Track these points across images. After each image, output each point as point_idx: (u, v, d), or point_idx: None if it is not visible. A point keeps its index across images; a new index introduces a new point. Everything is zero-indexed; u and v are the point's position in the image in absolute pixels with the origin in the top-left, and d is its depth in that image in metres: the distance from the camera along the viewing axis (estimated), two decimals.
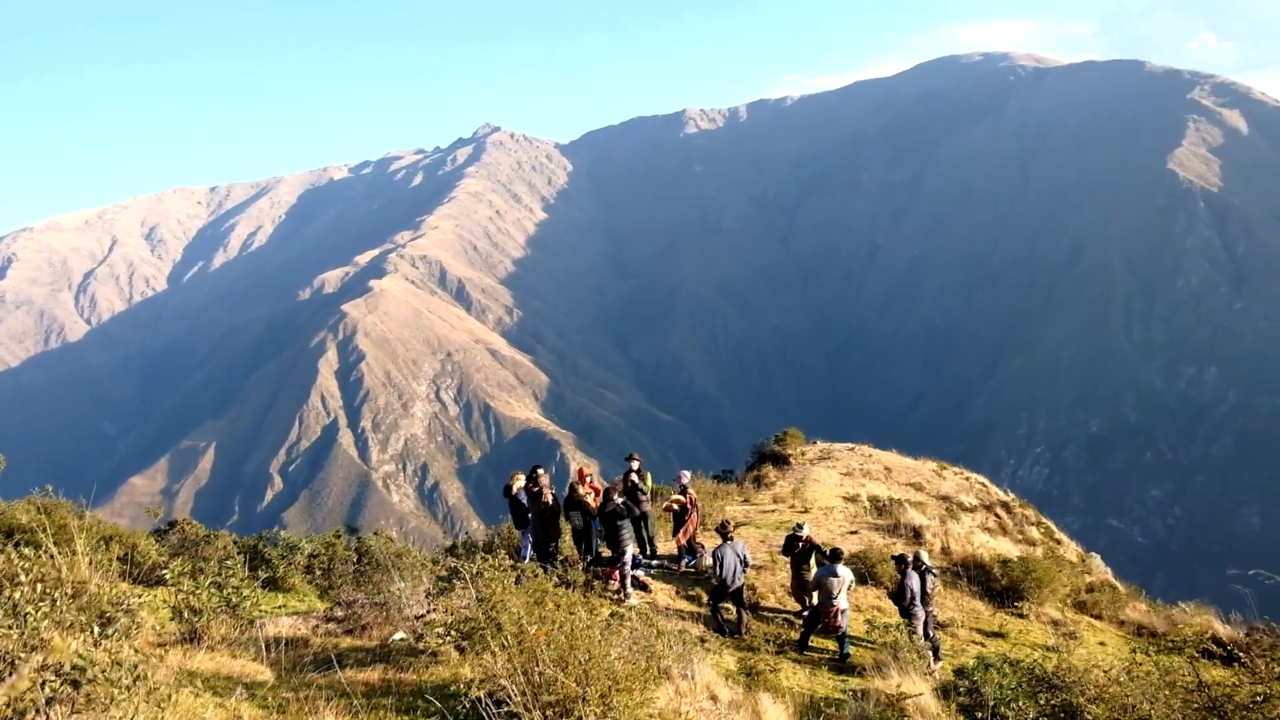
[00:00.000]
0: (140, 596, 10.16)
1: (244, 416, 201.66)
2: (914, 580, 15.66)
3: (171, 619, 11.00)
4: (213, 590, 10.94)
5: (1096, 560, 26.93)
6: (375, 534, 21.69)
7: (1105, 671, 10.67)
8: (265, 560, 17.42)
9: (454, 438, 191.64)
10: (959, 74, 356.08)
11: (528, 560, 16.56)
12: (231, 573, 11.65)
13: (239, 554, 16.80)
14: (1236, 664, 9.92)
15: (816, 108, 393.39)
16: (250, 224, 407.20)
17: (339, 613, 13.39)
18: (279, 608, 15.44)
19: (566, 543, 17.99)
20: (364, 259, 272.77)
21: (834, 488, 26.64)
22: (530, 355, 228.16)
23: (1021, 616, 18.89)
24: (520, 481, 17.41)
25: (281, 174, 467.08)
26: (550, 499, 16.86)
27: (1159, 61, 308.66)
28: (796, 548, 16.86)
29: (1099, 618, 20.33)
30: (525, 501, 17.19)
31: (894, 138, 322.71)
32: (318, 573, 17.96)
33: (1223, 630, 19.19)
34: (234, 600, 11.07)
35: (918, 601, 15.69)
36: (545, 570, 13.45)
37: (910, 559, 16.07)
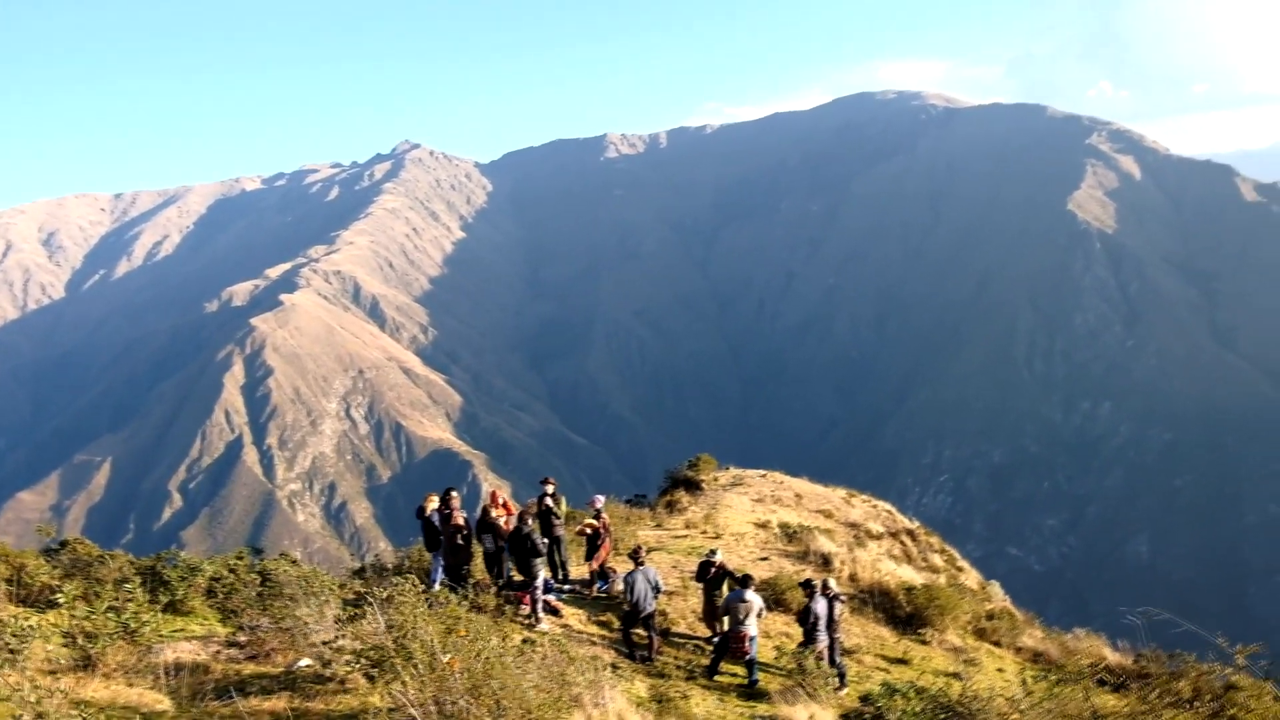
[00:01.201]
0: (30, 620, 9.72)
1: (143, 431, 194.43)
2: (819, 605, 15.67)
3: (64, 645, 10.49)
4: (110, 615, 10.50)
5: (996, 588, 27.39)
6: (281, 555, 21.08)
7: (1008, 700, 10.92)
8: (164, 582, 16.77)
9: (363, 456, 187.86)
10: (874, 110, 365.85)
11: (438, 584, 16.28)
12: (130, 596, 11.21)
13: (136, 575, 16.14)
14: (1126, 691, 10.31)
15: (736, 137, 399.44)
16: (157, 233, 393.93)
17: (242, 638, 12.90)
18: (176, 631, 14.87)
19: (478, 566, 17.75)
20: (275, 272, 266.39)
21: (746, 514, 26.69)
22: (444, 375, 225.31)
23: (925, 643, 19.09)
24: (434, 503, 17.13)
25: (191, 183, 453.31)
26: (461, 521, 16.63)
27: (1061, 107, 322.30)
28: (709, 573, 16.78)
29: (998, 644, 20.65)
30: (438, 523, 16.90)
31: (811, 169, 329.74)
32: (220, 596, 17.39)
33: (1112, 658, 19.90)
34: (132, 625, 10.64)
35: (821, 626, 15.73)
36: (455, 593, 13.34)
37: (819, 585, 16.13)
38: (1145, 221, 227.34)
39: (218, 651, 12.39)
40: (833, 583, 16.59)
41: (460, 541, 16.66)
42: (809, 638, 15.64)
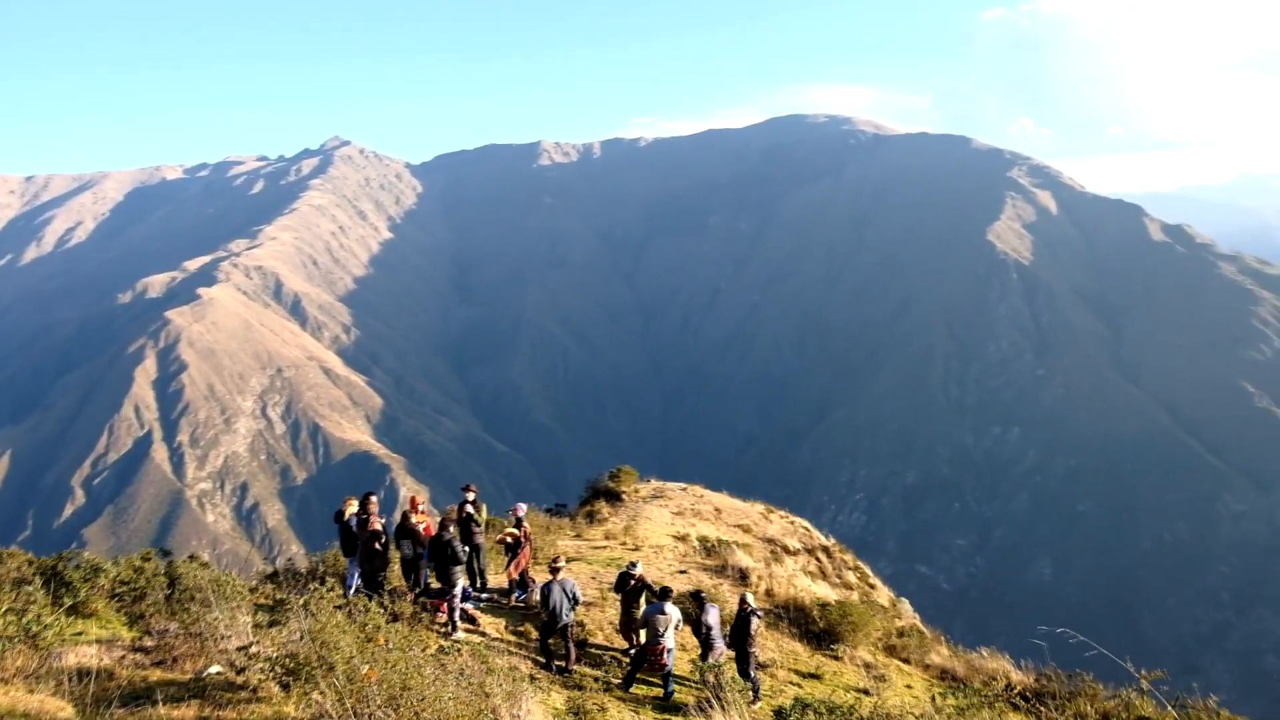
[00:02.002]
0: None
1: (46, 424, 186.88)
2: (711, 615, 15.95)
3: None
4: (11, 618, 10.12)
5: (906, 605, 28.09)
6: (191, 558, 20.52)
7: (918, 718, 11.21)
8: (67, 584, 16.18)
9: (278, 457, 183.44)
10: (805, 132, 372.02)
11: (353, 590, 16.16)
12: (32, 598, 10.82)
13: (36, 575, 15.56)
14: (1030, 711, 10.65)
15: (669, 151, 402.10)
16: (69, 219, 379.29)
17: (149, 642, 12.59)
18: (78, 635, 14.39)
19: (395, 572, 17.58)
20: (194, 265, 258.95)
21: (665, 526, 26.93)
22: (366, 376, 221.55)
23: (837, 658, 19.39)
24: (353, 507, 16.98)
25: (109, 169, 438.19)
26: (379, 527, 16.49)
27: (984, 140, 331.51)
28: (628, 585, 16.87)
29: (907, 661, 21.05)
30: (355, 528, 16.73)
31: (741, 187, 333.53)
32: (129, 599, 16.85)
33: (1015, 676, 20.53)
34: (34, 629, 10.28)
35: (715, 636, 16.00)
36: (371, 599, 13.19)
37: (705, 598, 16.45)
38: (1059, 255, 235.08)
39: (123, 657, 12.00)
40: (750, 597, 16.73)
41: (378, 547, 16.45)
42: (706, 647, 15.86)
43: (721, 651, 16.06)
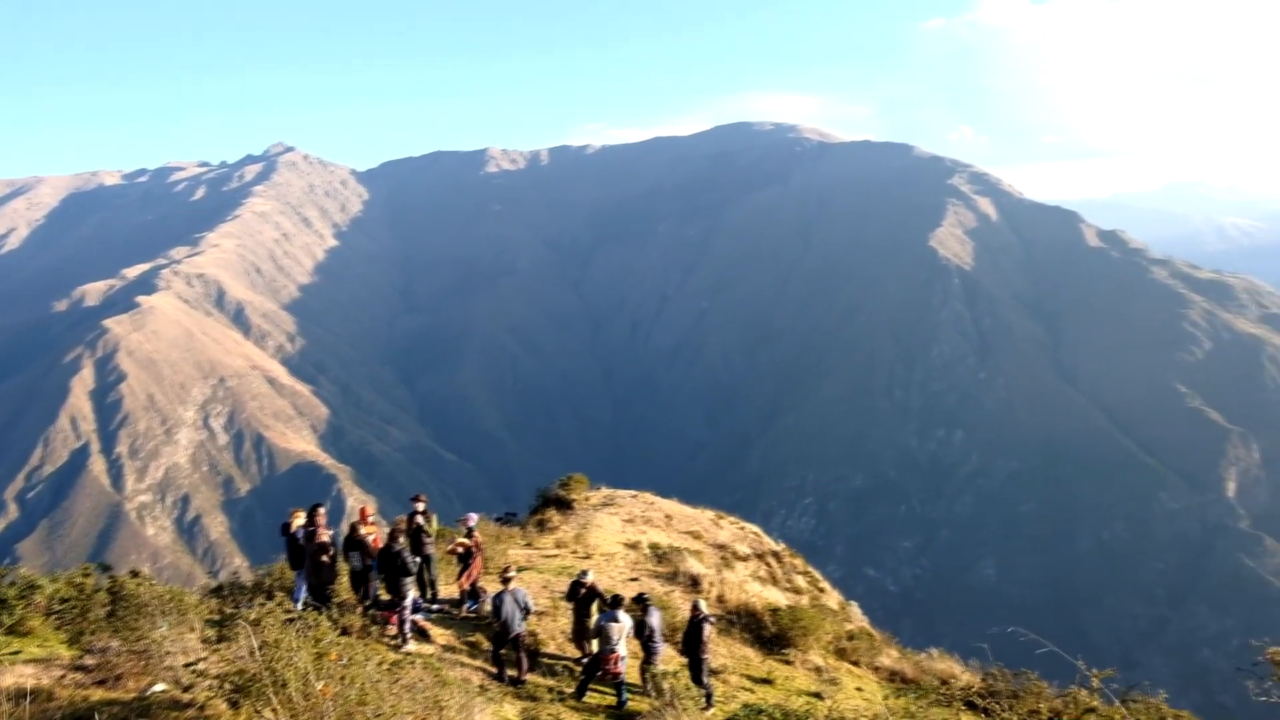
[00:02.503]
0: None
1: None
2: (653, 617, 16.13)
3: None
4: None
5: (855, 608, 28.23)
6: (132, 573, 20.03)
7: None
8: (1, 601, 15.74)
9: (221, 468, 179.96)
10: (751, 140, 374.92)
11: (300, 603, 15.99)
12: None
13: None
14: (984, 710, 10.83)
15: (617, 158, 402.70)
16: (1, 225, 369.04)
17: (89, 661, 12.30)
18: (14, 654, 13.99)
19: (343, 585, 17.35)
20: (133, 273, 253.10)
21: (616, 534, 26.83)
22: (311, 385, 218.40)
23: (788, 663, 19.59)
24: (300, 519, 16.76)
25: (44, 174, 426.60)
26: (327, 539, 16.31)
27: (926, 148, 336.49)
28: (580, 594, 16.92)
29: (857, 664, 21.35)
30: (302, 540, 16.51)
31: (688, 194, 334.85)
32: (70, 616, 16.40)
33: (962, 676, 20.88)
34: None
35: (657, 638, 16.16)
36: (320, 612, 12.99)
37: (648, 600, 16.56)
38: (999, 261, 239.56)
39: (62, 676, 11.70)
40: (702, 604, 16.82)
41: (326, 560, 16.25)
42: (648, 651, 16.07)
43: (662, 654, 16.22)
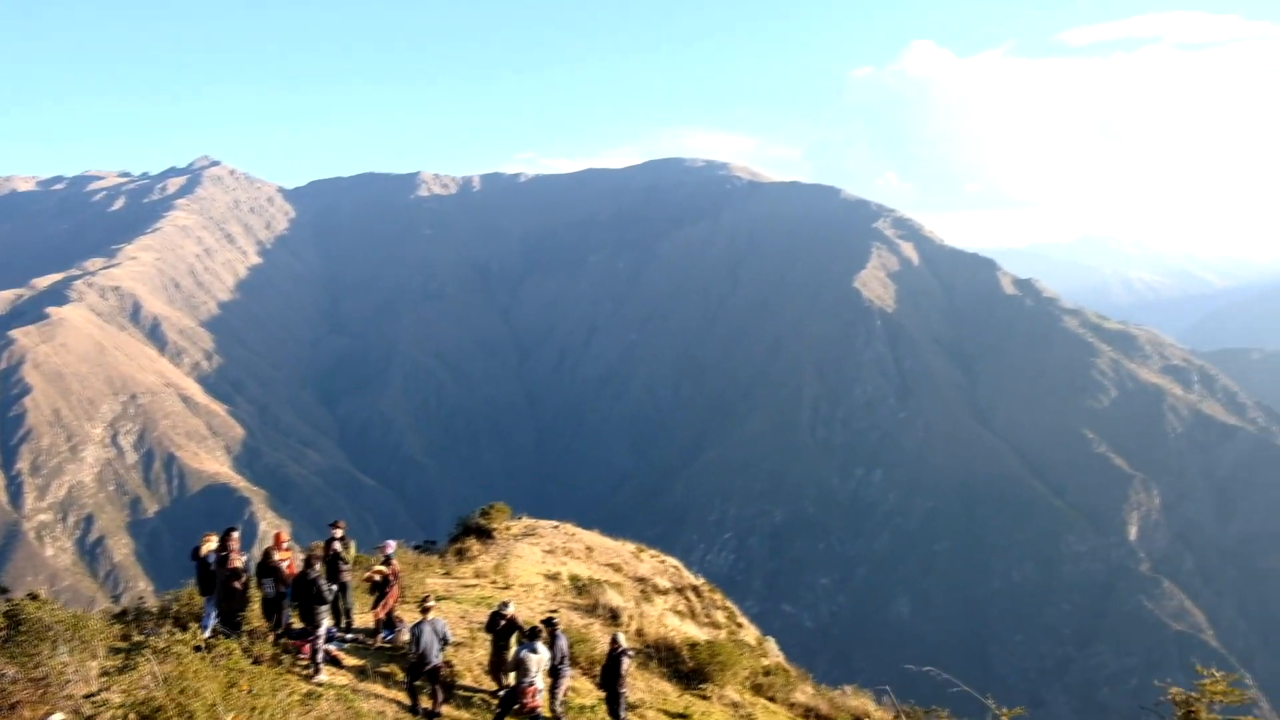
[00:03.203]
0: None
1: None
2: (561, 643, 16.17)
3: None
4: None
5: (772, 644, 28.38)
6: (32, 596, 19.36)
7: None
8: None
9: (128, 488, 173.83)
10: (683, 175, 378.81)
11: (209, 631, 15.61)
12: None
13: None
14: None
15: (549, 188, 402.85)
16: None
17: None
18: None
19: (255, 612, 17.08)
20: (43, 283, 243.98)
21: (536, 565, 26.75)
22: (227, 405, 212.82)
23: (705, 698, 19.65)
24: (212, 544, 16.45)
25: None
26: (240, 564, 16.05)
27: (853, 191, 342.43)
28: (499, 625, 16.81)
29: (773, 700, 21.44)
30: (213, 566, 16.20)
31: (620, 226, 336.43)
32: None
33: (875, 714, 21.36)
34: None
35: (564, 665, 16.18)
36: (228, 638, 12.83)
37: (556, 624, 16.58)
38: (920, 304, 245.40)
39: None
40: (621, 637, 16.87)
41: (238, 586, 16.04)
42: (555, 676, 16.06)
43: (567, 681, 16.29)
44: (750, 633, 28.55)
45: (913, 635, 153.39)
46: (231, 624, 15.92)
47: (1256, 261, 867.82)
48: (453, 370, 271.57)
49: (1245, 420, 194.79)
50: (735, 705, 19.84)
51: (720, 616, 28.02)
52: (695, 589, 29.40)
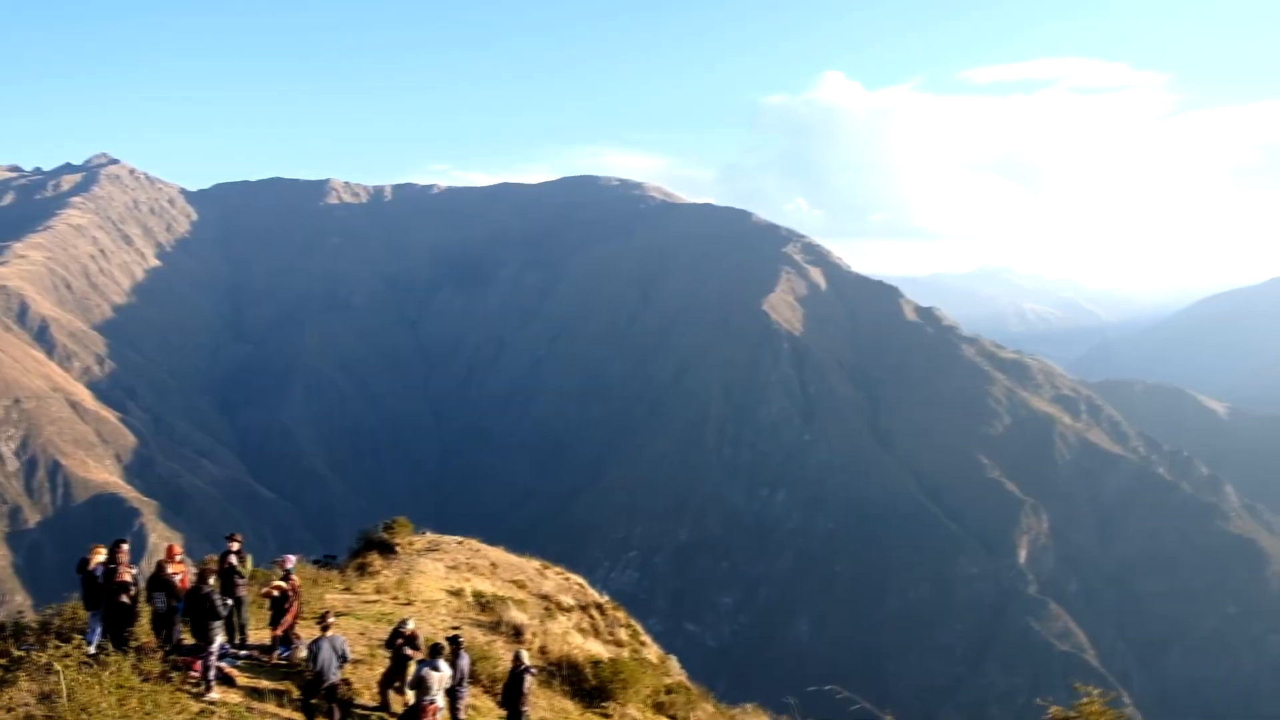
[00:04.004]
0: None
1: None
2: (463, 661, 16.15)
3: None
4: None
5: (674, 662, 28.51)
6: None
7: None
8: None
9: (8, 497, 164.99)
10: (597, 193, 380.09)
11: (94, 646, 14.90)
12: None
13: None
14: None
15: (462, 200, 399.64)
16: None
17: None
18: None
19: (143, 627, 16.47)
20: None
21: (439, 581, 26.50)
22: (119, 412, 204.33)
23: (607, 716, 19.74)
24: (101, 556, 15.93)
25: None
26: (129, 578, 15.53)
27: (763, 215, 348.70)
28: (398, 642, 16.55)
29: (674, 718, 21.59)
30: (101, 579, 15.66)
31: (532, 242, 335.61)
32: None
33: None
34: None
35: (464, 683, 16.16)
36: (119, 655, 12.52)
37: (461, 643, 16.53)
38: (826, 328, 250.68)
39: None
40: (524, 655, 16.87)
41: (126, 600, 15.48)
42: (454, 696, 15.92)
43: (467, 699, 16.25)
44: (653, 651, 28.59)
45: (812, 654, 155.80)
46: (118, 640, 15.32)
47: (1140, 297, 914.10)
48: (357, 382, 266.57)
49: (1128, 449, 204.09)
50: None
51: (623, 634, 27.99)
52: (599, 607, 29.32)
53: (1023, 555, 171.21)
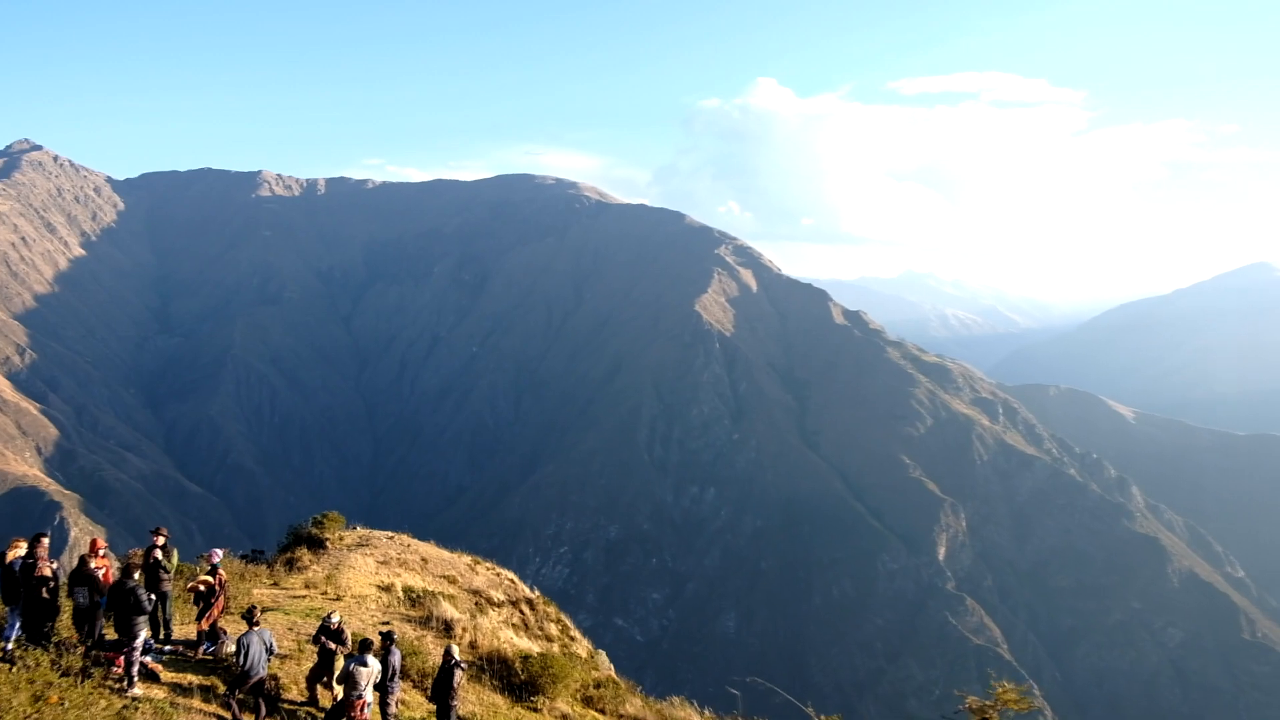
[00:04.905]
0: None
1: None
2: (394, 657, 16.16)
3: None
4: None
5: (603, 657, 29.07)
6: None
7: None
8: None
9: None
10: (532, 192, 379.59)
11: (11, 642, 14.87)
12: None
13: None
14: None
15: (397, 196, 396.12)
16: None
17: None
18: None
19: (64, 622, 16.23)
20: None
21: (370, 576, 26.48)
22: (40, 404, 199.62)
23: (536, 710, 19.96)
24: (20, 550, 15.39)
25: None
26: (49, 572, 15.10)
27: (696, 216, 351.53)
28: (323, 638, 16.59)
29: (603, 712, 21.82)
30: (19, 573, 15.16)
31: (466, 239, 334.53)
32: None
33: None
34: None
35: (395, 679, 16.22)
36: (32, 649, 12.78)
37: (394, 639, 16.48)
38: (756, 329, 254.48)
39: None
40: (454, 649, 16.94)
41: (46, 595, 15.10)
42: (384, 691, 16.02)
43: (398, 695, 16.34)
44: (582, 646, 28.87)
45: (738, 649, 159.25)
46: (38, 635, 15.08)
47: (1056, 306, 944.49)
48: (288, 377, 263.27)
49: (1042, 451, 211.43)
50: (566, 717, 20.17)
51: (553, 629, 28.49)
52: (529, 602, 29.77)
53: (942, 552, 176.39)
